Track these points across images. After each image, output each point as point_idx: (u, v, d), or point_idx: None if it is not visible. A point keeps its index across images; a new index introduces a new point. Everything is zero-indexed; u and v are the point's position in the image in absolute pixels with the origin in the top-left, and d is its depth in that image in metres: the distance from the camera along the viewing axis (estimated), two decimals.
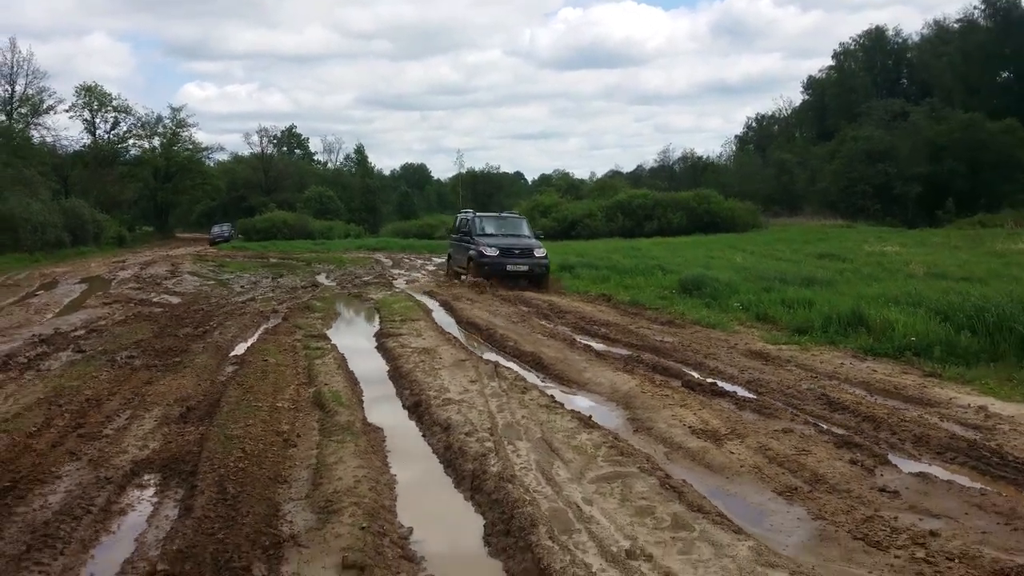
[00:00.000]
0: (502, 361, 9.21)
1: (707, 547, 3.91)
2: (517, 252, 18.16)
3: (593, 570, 3.68)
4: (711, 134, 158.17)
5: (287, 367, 8.83)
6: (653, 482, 4.90)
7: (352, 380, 8.26)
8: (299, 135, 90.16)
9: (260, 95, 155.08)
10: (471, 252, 18.36)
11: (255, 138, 77.09)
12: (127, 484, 5.22)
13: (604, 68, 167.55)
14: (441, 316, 13.53)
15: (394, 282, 20.48)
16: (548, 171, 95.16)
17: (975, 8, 68.33)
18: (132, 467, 5.48)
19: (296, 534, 4.30)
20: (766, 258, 22.46)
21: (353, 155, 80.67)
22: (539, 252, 18.24)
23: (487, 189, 70.84)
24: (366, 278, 21.64)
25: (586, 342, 10.42)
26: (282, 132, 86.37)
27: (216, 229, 55.40)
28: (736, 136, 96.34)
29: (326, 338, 11.08)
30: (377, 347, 10.49)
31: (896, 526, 4.24)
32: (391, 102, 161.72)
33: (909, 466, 5.34)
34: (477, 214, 20.45)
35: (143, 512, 4.78)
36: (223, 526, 4.33)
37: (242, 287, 19.29)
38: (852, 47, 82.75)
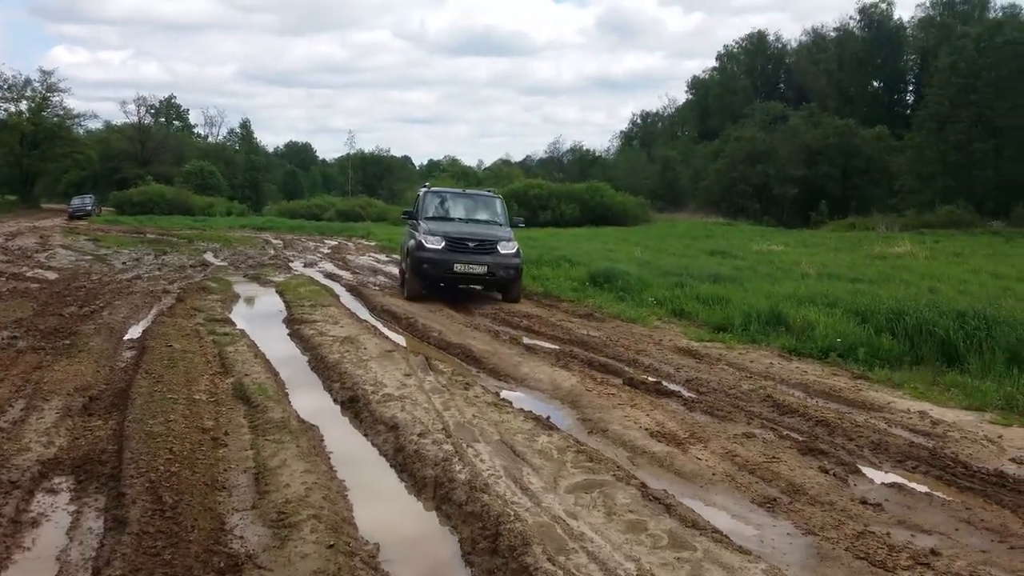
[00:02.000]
0: (430, 353, 8.74)
1: (718, 570, 3.64)
2: (473, 245, 12.81)
3: None
4: (596, 128, 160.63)
5: (195, 354, 8.12)
6: (633, 492, 4.60)
7: (271, 371, 7.63)
8: (179, 106, 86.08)
9: (135, 63, 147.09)
10: (409, 243, 13.28)
11: (132, 107, 73.36)
12: (36, 489, 4.53)
13: (495, 56, 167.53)
14: (351, 302, 12.92)
15: (291, 264, 19.54)
16: (437, 157, 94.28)
17: (851, 18, 71.86)
18: (40, 468, 4.78)
19: (253, 554, 3.78)
20: (661, 253, 22.72)
21: (238, 130, 77.51)
22: (507, 246, 12.97)
23: (377, 172, 69.46)
24: (260, 259, 20.60)
25: (511, 334, 10.08)
26: (160, 102, 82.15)
27: (76, 201, 48.78)
28: (622, 131, 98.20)
29: (231, 323, 10.33)
30: (291, 334, 9.83)
31: (892, 543, 4.09)
32: (275, 77, 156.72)
33: (879, 476, 5.25)
34: (430, 188, 15.32)
35: (61, 524, 4.15)
36: (168, 544, 3.76)
37: (124, 264, 17.98)
38: (735, 50, 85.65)
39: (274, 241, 28.90)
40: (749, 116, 64.93)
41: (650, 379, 7.66)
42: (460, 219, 13.94)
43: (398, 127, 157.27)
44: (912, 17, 70.41)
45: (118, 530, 3.91)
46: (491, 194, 15.53)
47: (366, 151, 71.53)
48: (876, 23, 69.84)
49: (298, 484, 4.65)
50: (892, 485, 5.02)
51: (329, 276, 16.78)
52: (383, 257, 22.92)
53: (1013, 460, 5.52)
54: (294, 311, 11.24)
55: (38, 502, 4.38)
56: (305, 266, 19.18)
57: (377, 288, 14.65)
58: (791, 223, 49.17)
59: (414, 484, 4.94)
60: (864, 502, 4.69)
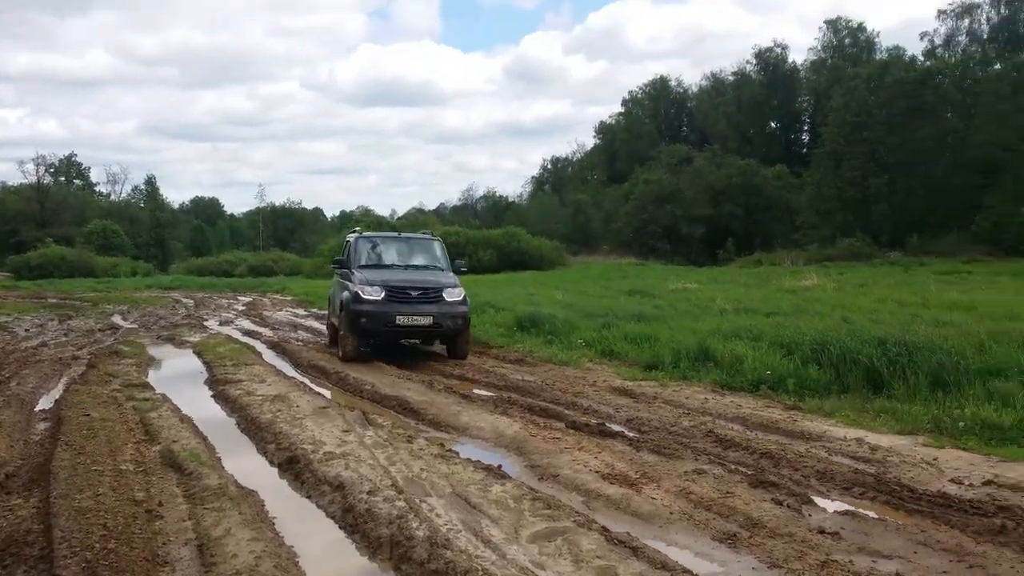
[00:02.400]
0: (365, 407, 8.52)
1: None
2: (416, 294, 11.65)
3: None
4: (507, 174, 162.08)
5: (115, 422, 7.70)
6: (596, 537, 4.52)
7: (199, 435, 7.29)
8: (79, 164, 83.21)
9: (33, 120, 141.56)
10: (343, 295, 12.06)
11: (30, 166, 70.29)
12: None
13: (404, 106, 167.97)
14: (274, 359, 12.54)
15: (205, 323, 18.91)
16: (349, 207, 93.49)
17: (748, 63, 74.96)
18: None
19: None
20: (582, 295, 22.90)
21: (142, 186, 75.33)
22: (453, 293, 11.90)
23: (289, 225, 68.45)
24: (172, 319, 19.85)
25: (445, 383, 9.93)
26: (60, 160, 79.32)
27: None
28: (533, 177, 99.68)
29: (150, 387, 9.87)
30: (215, 396, 9.45)
31: (856, 570, 4.12)
32: (179, 131, 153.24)
33: (831, 504, 5.30)
34: (361, 234, 13.72)
35: None
36: None
37: (27, 331, 17.06)
38: (639, 95, 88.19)
39: (185, 300, 27.98)
40: (655, 159, 66.75)
41: (592, 421, 7.63)
42: (397, 265, 12.83)
43: (308, 179, 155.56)
44: (805, 60, 73.89)
45: None
46: (429, 236, 14.20)
47: (276, 204, 70.51)
48: (772, 66, 73.06)
49: (246, 553, 4.41)
50: (845, 513, 5.08)
51: (248, 333, 16.28)
52: (301, 311, 22.45)
53: (952, 481, 5.66)
54: (216, 371, 10.83)
55: None
56: (221, 324, 18.59)
57: (300, 343, 14.28)
58: (700, 261, 50.50)
59: (368, 545, 4.73)
60: (822, 531, 4.72)
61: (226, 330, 17.01)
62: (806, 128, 76.08)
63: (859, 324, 12.11)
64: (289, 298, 28.65)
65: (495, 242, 42.55)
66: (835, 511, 5.13)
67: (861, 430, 7.26)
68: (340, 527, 5.09)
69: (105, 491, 5.42)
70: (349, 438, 6.88)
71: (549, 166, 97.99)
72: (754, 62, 74.29)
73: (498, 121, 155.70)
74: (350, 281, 12.11)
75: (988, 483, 5.51)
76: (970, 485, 5.52)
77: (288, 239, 67.06)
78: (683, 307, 17.92)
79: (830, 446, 6.71)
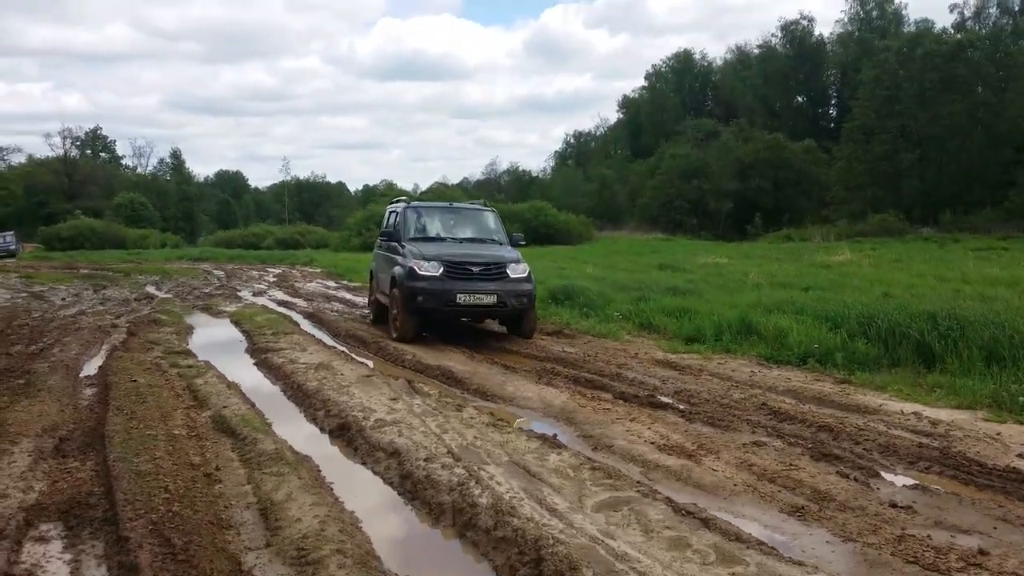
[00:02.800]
0: (409, 376, 8.47)
1: None
2: (477, 270, 10.55)
3: None
4: (530, 149, 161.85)
5: (163, 388, 7.70)
6: (663, 508, 4.44)
7: (247, 402, 7.27)
8: (105, 137, 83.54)
9: (56, 95, 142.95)
10: (395, 271, 10.94)
11: (56, 139, 70.95)
12: (24, 538, 4.15)
13: (425, 80, 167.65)
14: (312, 328, 12.52)
15: (239, 293, 18.97)
16: (372, 182, 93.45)
17: (773, 36, 73.92)
18: (24, 516, 4.39)
19: None
20: (612, 268, 22.77)
21: (168, 160, 75.56)
22: (517, 269, 10.81)
23: (314, 198, 68.52)
24: (205, 290, 19.94)
25: (487, 354, 9.87)
26: (86, 134, 79.72)
27: None
28: (556, 151, 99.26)
29: (192, 355, 9.88)
30: (258, 364, 9.44)
31: (935, 545, 4.01)
32: (202, 106, 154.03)
33: (898, 478, 5.19)
34: (411, 203, 12.54)
35: (59, 574, 3.79)
36: None
37: (64, 300, 17.19)
38: (662, 69, 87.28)
39: (216, 272, 28.11)
40: (681, 133, 66.10)
41: (641, 392, 7.53)
42: (451, 238, 11.69)
43: (331, 153, 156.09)
44: (832, 33, 72.81)
45: None
46: (483, 207, 12.87)
47: (301, 178, 70.52)
48: (798, 40, 72.00)
49: (310, 518, 4.37)
50: (915, 487, 4.96)
51: (282, 304, 16.30)
52: (332, 283, 22.46)
53: (1021, 456, 5.53)
54: (256, 340, 10.84)
55: (29, 552, 4.00)
56: (254, 295, 18.63)
57: (335, 314, 14.26)
58: (727, 236, 50.13)
59: (429, 511, 4.69)
60: (894, 505, 4.61)
61: (260, 300, 17.05)
62: (833, 102, 75.06)
63: (901, 299, 11.89)
64: (318, 270, 28.68)
65: (521, 216, 42.37)
66: (904, 485, 5.01)
67: (917, 404, 7.12)
68: (399, 493, 5.05)
69: (161, 455, 5.40)
70: (398, 406, 6.83)
71: (572, 141, 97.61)
72: (780, 35, 73.38)
73: (520, 96, 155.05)
74: (399, 255, 11.10)
75: None
76: None
77: (313, 212, 67.21)
78: (716, 281, 17.74)
79: (888, 420, 6.57)
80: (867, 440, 5.93)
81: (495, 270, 10.65)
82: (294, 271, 28.68)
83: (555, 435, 6.03)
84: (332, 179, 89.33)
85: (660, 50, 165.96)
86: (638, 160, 71.64)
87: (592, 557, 3.72)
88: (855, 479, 5.06)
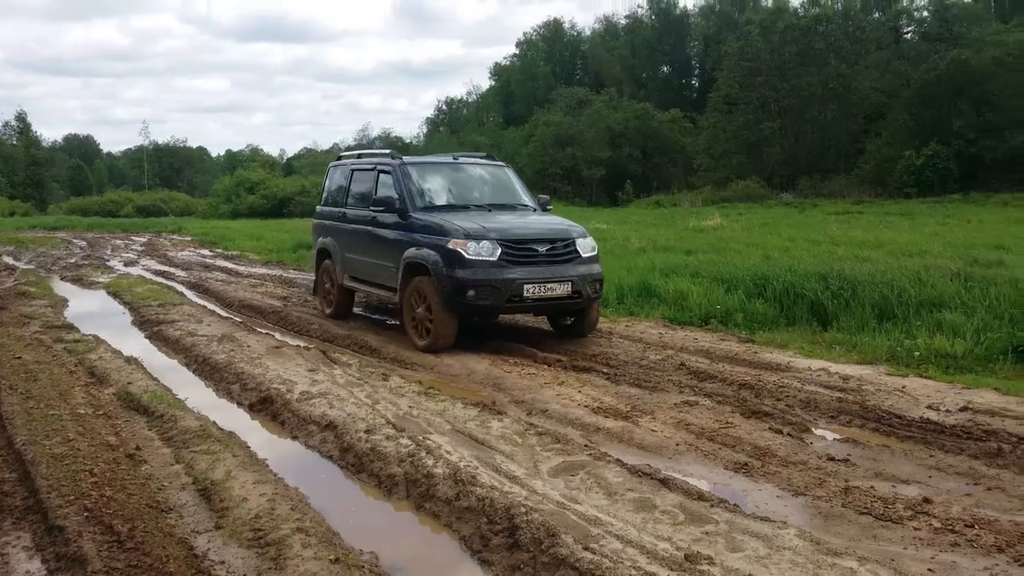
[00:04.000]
0: (322, 347, 8.18)
1: (753, 541, 3.56)
2: (544, 250, 7.95)
3: None
4: (400, 115, 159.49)
5: (52, 364, 7.16)
6: (618, 470, 4.46)
7: (152, 377, 6.84)
8: None
9: None
10: (413, 255, 8.07)
11: None
12: None
13: (290, 42, 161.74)
14: (200, 299, 11.90)
15: (108, 263, 17.83)
16: (236, 147, 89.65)
17: (639, 7, 75.47)
18: None
19: None
20: None
21: (13, 122, 69.66)
22: (587, 246, 8.31)
23: (175, 164, 65.14)
24: (70, 260, 18.62)
25: (395, 322, 9.65)
26: None
27: None
28: (428, 118, 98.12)
29: (75, 329, 9.21)
30: (151, 337, 8.90)
31: (882, 496, 4.19)
32: (47, 66, 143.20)
33: (827, 433, 5.40)
34: (405, 160, 9.14)
35: None
36: None
37: None
38: (533, 37, 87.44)
39: (76, 241, 26.33)
40: (553, 101, 66.54)
41: (562, 357, 7.55)
42: (475, 206, 8.73)
43: (190, 116, 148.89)
44: (695, 6, 75.04)
45: (76, 571, 3.28)
46: (495, 161, 9.93)
47: (160, 143, 66.76)
48: (663, 12, 73.71)
49: (256, 497, 4.14)
50: (846, 440, 5.18)
51: (160, 274, 15.44)
52: (207, 252, 21.47)
53: (930, 408, 5.86)
54: (143, 312, 10.19)
55: None
56: (126, 265, 17.57)
57: (221, 283, 13.62)
58: (599, 203, 51.14)
59: (379, 484, 4.54)
60: (831, 458, 4.80)
61: (135, 271, 16.08)
62: (697, 73, 77.41)
63: (781, 261, 12.39)
64: (188, 238, 27.37)
65: None
66: (835, 439, 5.22)
67: (822, 360, 7.44)
68: (341, 467, 4.87)
69: (74, 436, 4.99)
70: (319, 377, 6.58)
71: (444, 107, 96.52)
72: (646, 6, 74.84)
73: (389, 61, 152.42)
74: (410, 231, 8.29)
75: (964, 409, 5.72)
76: (948, 411, 5.72)
77: (174, 179, 63.87)
78: (602, 246, 17.89)
79: (800, 376, 6.84)
80: (788, 396, 6.16)
81: (564, 249, 8.02)
82: (162, 239, 27.26)
83: (493, 401, 5.96)
84: (193, 144, 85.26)
85: (529, 17, 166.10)
86: (511, 127, 71.74)
87: (566, 523, 3.68)
88: (789, 434, 5.23)
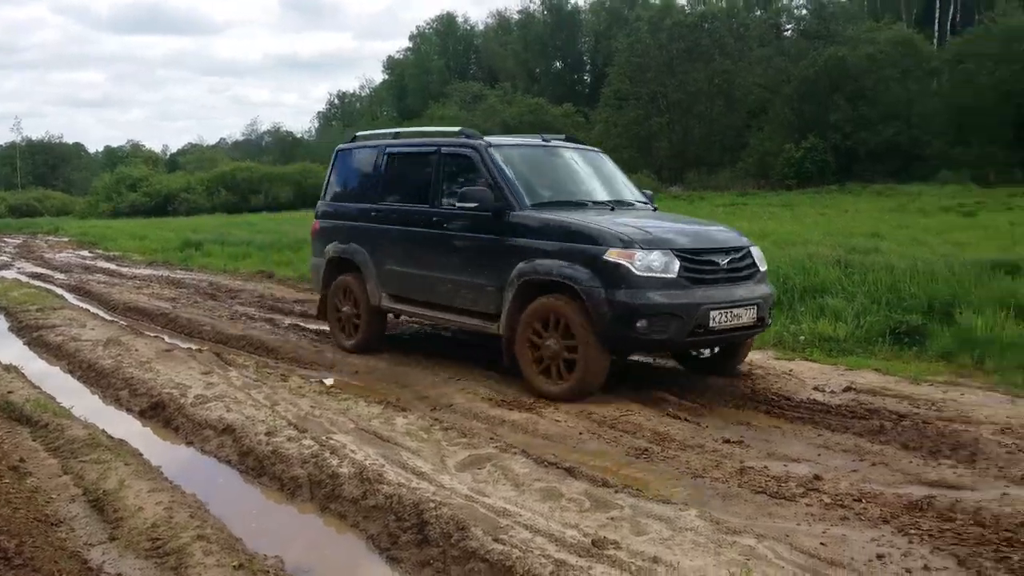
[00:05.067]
0: (215, 348, 7.92)
1: (657, 524, 3.65)
2: (725, 263, 6.05)
3: (574, 566, 3.22)
4: (291, 109, 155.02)
5: None
6: (524, 461, 4.50)
7: (33, 385, 6.49)
8: None
9: None
10: (556, 268, 5.89)
11: None
12: None
13: (170, 34, 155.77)
14: (82, 302, 11.35)
15: None
16: (115, 142, 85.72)
17: (531, 2, 76.13)
18: None
19: None
20: None
21: None
22: (760, 257, 6.46)
23: (50, 161, 61.83)
24: None
25: (291, 322, 9.45)
26: None
27: None
28: (320, 112, 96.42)
29: None
30: (31, 343, 8.44)
31: (775, 475, 4.36)
32: None
33: (722, 416, 5.58)
34: (492, 141, 7.00)
35: None
36: None
37: None
38: (427, 31, 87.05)
39: None
40: (448, 96, 66.44)
41: (466, 351, 7.55)
42: (594, 203, 6.81)
43: (65, 111, 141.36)
44: (586, 2, 76.02)
45: None
46: (588, 147, 7.92)
47: (33, 139, 63.21)
48: (555, 7, 74.56)
49: (152, 506, 3.99)
50: (738, 423, 5.38)
51: (37, 277, 14.63)
52: (87, 253, 20.49)
53: (816, 389, 6.14)
54: (21, 317, 9.65)
55: None
56: None
57: (104, 285, 13.02)
58: None
59: (282, 487, 4.44)
60: (727, 441, 4.97)
61: (9, 274, 15.18)
62: (588, 68, 78.68)
63: None
64: (66, 239, 26.05)
65: (292, 178, 40.86)
66: (729, 422, 5.41)
67: None
68: (241, 471, 4.74)
69: None
70: (214, 380, 6.38)
71: (336, 101, 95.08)
72: (538, 2, 75.56)
73: (277, 53, 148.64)
74: (531, 236, 6.15)
75: (848, 389, 6.03)
76: (833, 392, 6.02)
77: (49, 176, 60.61)
78: None
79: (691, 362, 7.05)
80: (679, 384, 6.34)
81: (743, 262, 6.20)
82: (38, 241, 25.87)
83: (397, 398, 5.92)
84: (69, 139, 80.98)
85: (420, 11, 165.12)
86: (405, 121, 71.24)
87: (475, 515, 3.69)
88: (686, 419, 5.40)
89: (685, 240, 5.99)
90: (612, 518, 3.74)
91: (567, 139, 7.90)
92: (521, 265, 6.10)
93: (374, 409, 5.58)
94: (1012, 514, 3.74)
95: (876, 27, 48.47)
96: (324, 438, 4.84)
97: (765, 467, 4.50)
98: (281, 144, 72.23)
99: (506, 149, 6.90)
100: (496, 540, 3.44)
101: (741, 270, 6.12)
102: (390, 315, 7.73)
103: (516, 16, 79.76)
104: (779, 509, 3.94)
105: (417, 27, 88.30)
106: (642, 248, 5.70)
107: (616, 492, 4.05)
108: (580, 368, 5.77)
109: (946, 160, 38.32)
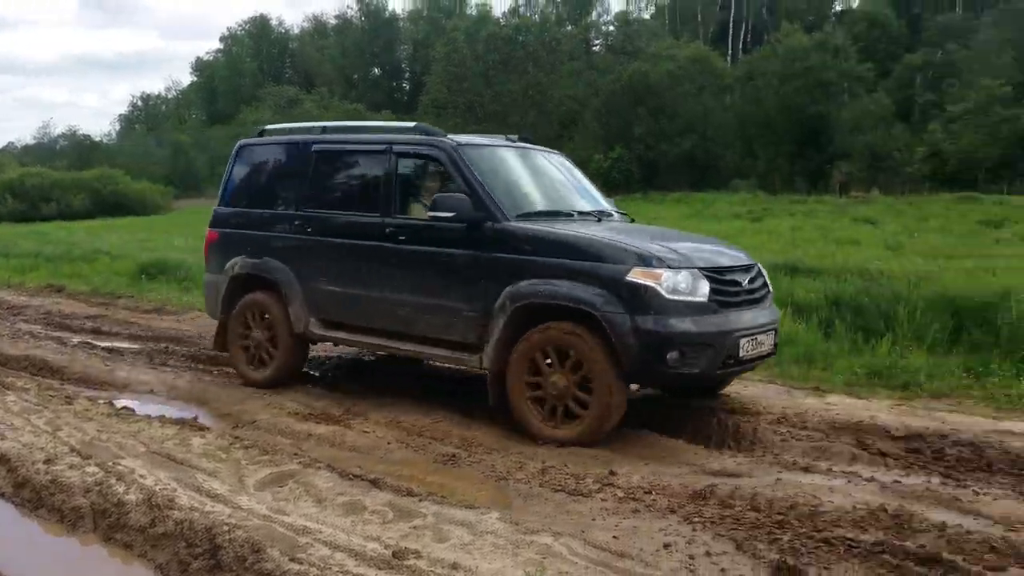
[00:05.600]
0: None
1: (459, 529, 3.68)
2: (746, 283, 5.42)
3: None
4: (90, 111, 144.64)
5: None
6: (328, 475, 4.41)
7: None
8: None
9: None
10: (563, 291, 5.03)
11: None
12: None
13: None
14: None
15: None
16: None
17: (348, 8, 75.36)
18: None
19: None
20: (203, 240, 21.61)
21: None
22: (765, 275, 5.82)
23: None
24: None
25: (81, 339, 8.79)
26: None
27: None
28: (121, 114, 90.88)
29: None
30: None
31: (573, 473, 4.52)
32: None
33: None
34: (460, 140, 5.95)
35: None
36: None
37: None
38: (239, 33, 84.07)
39: None
40: (262, 100, 64.44)
41: None
42: (580, 213, 6.03)
43: None
44: (404, 10, 76.15)
45: None
46: (547, 149, 6.99)
47: None
48: (372, 13, 74.15)
49: None
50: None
51: None
52: None
53: None
54: None
55: None
56: None
57: None
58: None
59: (62, 519, 4.12)
60: (532, 442, 5.10)
61: None
62: (407, 76, 78.77)
63: None
64: None
65: (88, 185, 38.11)
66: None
67: None
68: (16, 504, 4.36)
69: None
70: None
71: (140, 103, 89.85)
72: (355, 7, 74.90)
73: (76, 52, 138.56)
74: (519, 253, 5.30)
75: (639, 388, 6.35)
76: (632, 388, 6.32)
77: None
78: None
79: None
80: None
81: (760, 282, 5.65)
82: None
83: (195, 417, 5.64)
84: None
85: (231, 13, 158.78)
86: (216, 126, 68.32)
87: (273, 536, 3.58)
88: (495, 423, 5.48)
89: (706, 257, 5.31)
90: (415, 527, 3.74)
91: (521, 139, 6.76)
92: (514, 287, 5.20)
93: (168, 430, 5.28)
94: (784, 498, 4.07)
95: (676, 44, 51.57)
96: (111, 464, 4.54)
97: (565, 465, 4.65)
98: (78, 148, 67.08)
99: (478, 150, 5.92)
100: (293, 560, 3.36)
101: (758, 291, 5.53)
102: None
103: (333, 21, 78.73)
104: (576, 506, 4.08)
105: (229, 28, 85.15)
106: (669, 267, 4.94)
107: (421, 500, 4.05)
108: (596, 408, 4.98)
109: (737, 170, 41.33)
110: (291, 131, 7.20)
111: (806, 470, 4.54)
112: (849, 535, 3.63)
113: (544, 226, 5.45)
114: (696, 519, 3.86)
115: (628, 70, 45.58)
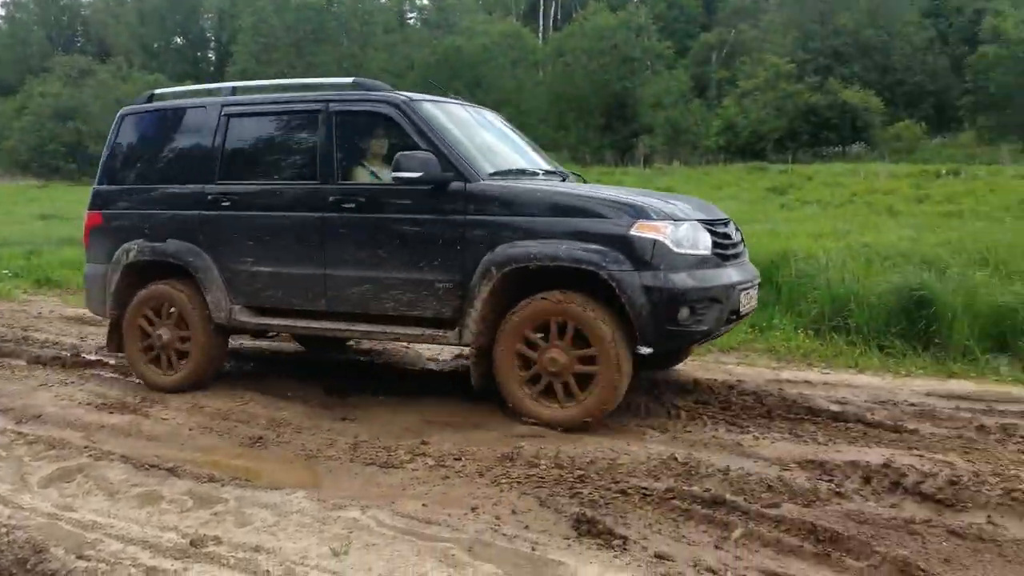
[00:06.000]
0: None
1: (263, 512, 3.59)
2: (738, 239, 5.37)
3: (168, 570, 3.07)
4: None
5: None
6: (123, 467, 4.18)
7: None
8: None
9: None
10: (561, 251, 4.57)
11: None
12: None
13: None
14: None
15: None
16: None
17: None
18: None
19: None
20: None
21: None
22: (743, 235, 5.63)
23: None
24: None
25: None
26: None
27: None
28: None
29: None
30: None
31: (385, 446, 4.51)
32: None
33: (349, 397, 5.66)
34: (412, 96, 5.29)
35: None
36: None
37: None
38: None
39: None
40: (51, 70, 59.41)
41: (63, 353, 6.83)
42: (545, 172, 5.65)
43: None
44: None
45: None
46: (492, 111, 6.39)
47: None
48: None
49: None
50: (354, 405, 5.46)
51: None
52: None
53: (431, 359, 6.50)
54: None
55: None
56: None
57: None
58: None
59: None
60: (344, 419, 5.05)
61: None
62: (212, 46, 75.00)
63: None
64: None
65: None
66: (348, 402, 5.48)
67: None
68: None
69: None
70: None
71: None
72: None
73: None
74: (496, 215, 4.80)
75: (458, 357, 6.45)
76: (445, 361, 6.41)
77: None
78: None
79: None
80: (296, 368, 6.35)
81: (739, 233, 5.45)
82: None
83: None
84: None
85: None
86: (1, 98, 62.38)
87: (58, 534, 3.36)
88: (304, 402, 5.40)
89: (693, 209, 4.99)
90: (216, 513, 3.62)
91: (454, 96, 6.30)
92: (498, 251, 4.71)
93: None
94: (584, 454, 4.25)
95: (489, 20, 52.01)
96: None
97: (377, 439, 4.64)
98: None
99: (433, 105, 5.37)
100: (80, 557, 3.17)
101: (739, 246, 5.29)
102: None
103: None
104: (387, 478, 4.08)
105: None
106: (672, 220, 4.62)
107: (223, 486, 3.93)
108: (602, 382, 4.57)
109: (552, 143, 42.38)
110: (189, 94, 6.34)
111: (606, 427, 4.76)
112: (643, 484, 3.85)
113: (527, 184, 5.08)
114: (503, 480, 3.97)
115: (443, 44, 45.54)
